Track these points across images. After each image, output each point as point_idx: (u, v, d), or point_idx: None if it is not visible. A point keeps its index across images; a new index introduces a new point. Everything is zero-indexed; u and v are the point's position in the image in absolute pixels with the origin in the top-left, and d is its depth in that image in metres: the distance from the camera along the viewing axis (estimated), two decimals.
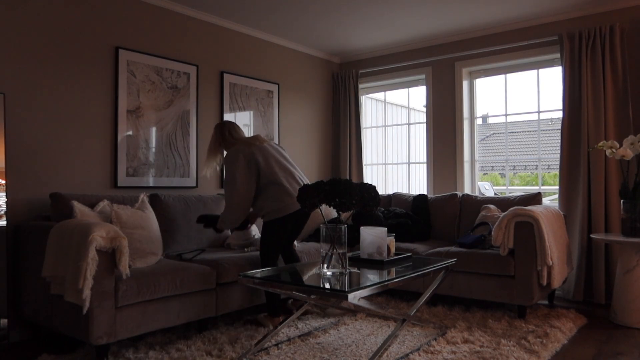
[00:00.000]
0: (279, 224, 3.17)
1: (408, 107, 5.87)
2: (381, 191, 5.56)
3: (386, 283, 2.46)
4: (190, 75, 4.16)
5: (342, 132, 5.46)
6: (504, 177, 8.42)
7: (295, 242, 3.59)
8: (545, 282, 3.32)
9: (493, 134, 13.50)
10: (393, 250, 3.02)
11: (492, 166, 10.82)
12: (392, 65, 5.29)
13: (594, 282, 3.94)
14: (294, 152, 4.80)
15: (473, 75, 4.96)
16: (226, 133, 3.33)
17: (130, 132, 3.74)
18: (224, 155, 3.32)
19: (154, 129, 3.90)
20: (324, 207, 3.20)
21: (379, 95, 6.15)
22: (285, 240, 3.33)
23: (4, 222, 3.02)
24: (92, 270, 2.43)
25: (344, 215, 3.74)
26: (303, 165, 5.03)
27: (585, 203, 3.97)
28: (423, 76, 5.15)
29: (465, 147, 4.90)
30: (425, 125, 5.16)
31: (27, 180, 3.19)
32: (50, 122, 3.32)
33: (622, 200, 3.53)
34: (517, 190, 7.24)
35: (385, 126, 6.13)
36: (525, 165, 12.11)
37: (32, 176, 3.22)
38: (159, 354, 2.72)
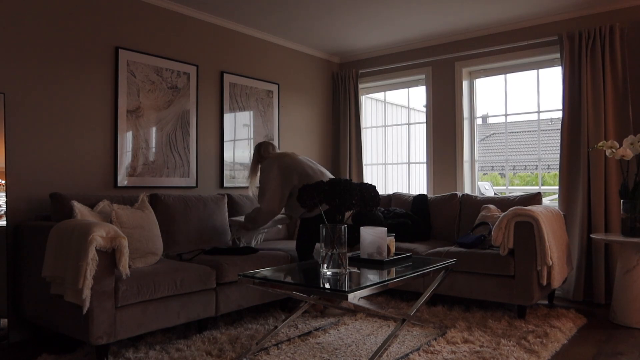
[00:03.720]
0: (312, 222, 3.44)
1: (408, 107, 5.87)
2: (381, 191, 5.56)
3: (386, 283, 2.46)
4: (190, 75, 4.16)
5: (342, 132, 5.46)
6: (504, 177, 8.42)
7: None
8: (545, 282, 3.32)
9: (493, 134, 13.50)
10: (393, 250, 3.02)
11: (492, 166, 10.82)
12: (392, 65, 5.29)
13: (594, 282, 3.95)
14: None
15: (473, 75, 4.96)
16: (262, 151, 3.70)
17: (130, 132, 3.74)
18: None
19: (154, 129, 3.90)
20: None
21: (379, 95, 6.15)
22: (318, 238, 3.59)
23: (4, 222, 3.02)
24: (92, 270, 2.43)
25: None
26: None
27: (585, 203, 3.97)
28: (423, 76, 5.16)
29: (465, 147, 4.90)
30: (425, 125, 5.16)
31: (27, 180, 3.19)
32: (50, 122, 3.32)
33: (622, 200, 3.53)
34: (517, 190, 7.24)
35: (385, 126, 6.13)
36: (525, 165, 12.11)
37: (32, 176, 3.22)
38: (159, 354, 2.72)
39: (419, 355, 2.68)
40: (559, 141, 4.15)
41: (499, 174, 10.52)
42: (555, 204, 4.51)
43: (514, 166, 12.20)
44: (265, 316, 3.47)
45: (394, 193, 4.93)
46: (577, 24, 4.18)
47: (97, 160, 3.57)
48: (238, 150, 4.58)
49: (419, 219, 4.43)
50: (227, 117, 4.49)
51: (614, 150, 3.55)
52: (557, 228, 3.56)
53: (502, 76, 4.84)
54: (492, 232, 3.47)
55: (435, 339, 2.93)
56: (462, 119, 4.89)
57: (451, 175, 4.93)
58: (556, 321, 3.27)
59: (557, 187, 4.25)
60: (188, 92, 4.15)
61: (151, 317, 2.77)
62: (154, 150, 3.89)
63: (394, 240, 3.04)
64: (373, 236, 2.92)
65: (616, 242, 3.46)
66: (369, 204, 2.47)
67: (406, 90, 5.56)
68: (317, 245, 3.62)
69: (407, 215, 4.42)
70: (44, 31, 3.29)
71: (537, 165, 5.07)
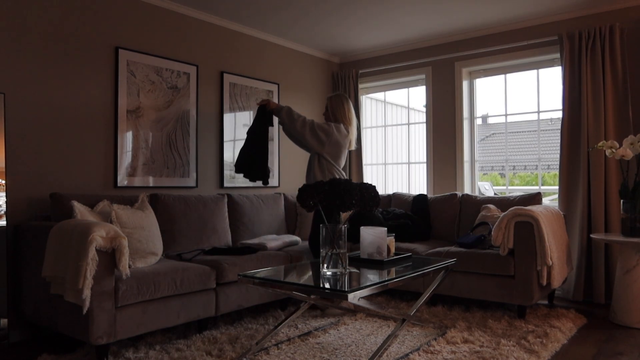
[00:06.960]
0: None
1: (408, 107, 5.87)
2: (381, 191, 5.55)
3: (386, 283, 2.46)
4: (190, 75, 4.16)
5: None
6: (504, 177, 8.42)
7: None
8: (545, 282, 3.32)
9: (493, 134, 13.49)
10: (393, 250, 3.02)
11: (492, 166, 10.81)
12: (392, 65, 5.29)
13: (594, 282, 3.95)
14: (294, 152, 4.80)
15: (473, 75, 4.96)
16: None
17: (130, 132, 3.74)
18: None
19: (154, 129, 3.90)
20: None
21: (379, 95, 6.14)
22: None
23: (4, 222, 3.02)
24: (92, 270, 2.43)
25: (344, 216, 3.74)
26: (303, 166, 5.02)
27: (585, 203, 3.97)
28: (423, 76, 5.15)
29: (465, 147, 4.90)
30: (425, 125, 5.16)
31: (27, 180, 3.19)
32: (50, 122, 3.31)
33: (622, 200, 3.53)
34: (517, 190, 7.24)
35: (385, 126, 6.12)
36: (525, 165, 12.10)
37: (32, 176, 3.22)
38: (159, 354, 2.72)
39: (419, 355, 2.68)
40: (559, 141, 4.15)
41: (499, 174, 10.52)
42: (555, 204, 4.51)
43: (514, 166, 12.20)
44: (265, 316, 3.47)
45: (393, 193, 4.93)
46: (577, 24, 4.18)
47: (97, 160, 3.57)
48: (238, 150, 4.56)
49: (418, 219, 4.42)
50: (227, 117, 4.49)
51: (614, 150, 3.55)
52: (557, 228, 3.56)
53: (502, 76, 4.84)
54: (492, 232, 3.47)
55: (435, 339, 2.93)
56: (462, 119, 4.89)
57: (451, 175, 4.93)
58: (556, 321, 3.28)
59: (557, 187, 4.25)
60: (188, 92, 4.15)
61: (151, 317, 2.77)
62: (154, 150, 3.89)
63: (394, 240, 3.04)
64: (373, 236, 2.92)
65: (616, 242, 3.46)
66: (369, 204, 2.47)
67: (406, 90, 5.56)
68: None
69: (407, 216, 4.42)
70: (44, 31, 3.29)
71: (537, 165, 5.07)
